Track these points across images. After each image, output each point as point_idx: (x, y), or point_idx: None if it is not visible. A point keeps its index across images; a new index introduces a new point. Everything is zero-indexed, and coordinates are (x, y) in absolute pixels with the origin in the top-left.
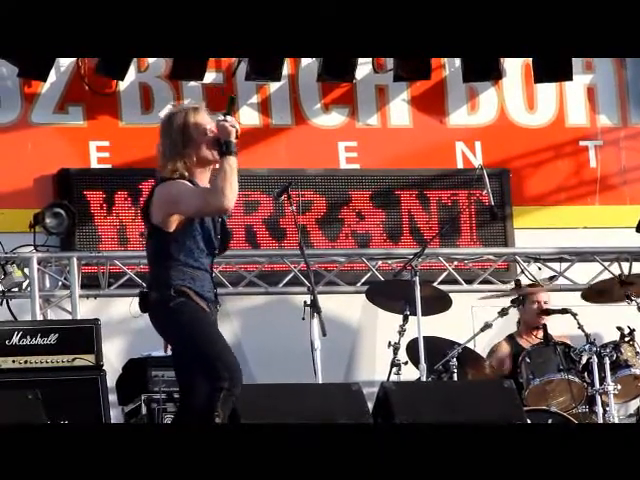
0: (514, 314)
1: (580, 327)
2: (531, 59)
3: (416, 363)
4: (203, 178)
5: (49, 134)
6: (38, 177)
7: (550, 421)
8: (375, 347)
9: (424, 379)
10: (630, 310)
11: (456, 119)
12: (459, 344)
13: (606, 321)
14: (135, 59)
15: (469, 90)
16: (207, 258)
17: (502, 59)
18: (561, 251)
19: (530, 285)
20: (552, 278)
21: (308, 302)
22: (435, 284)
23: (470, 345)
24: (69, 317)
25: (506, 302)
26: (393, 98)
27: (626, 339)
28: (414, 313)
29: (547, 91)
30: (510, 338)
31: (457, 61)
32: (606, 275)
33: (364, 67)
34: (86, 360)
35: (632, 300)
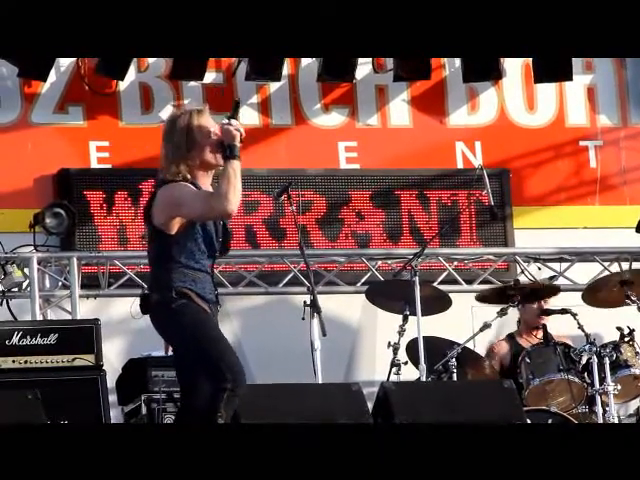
0: (514, 314)
1: (580, 327)
2: (531, 59)
3: (416, 363)
4: (205, 181)
5: (49, 134)
6: (38, 177)
7: (550, 421)
8: (375, 347)
9: (424, 379)
10: (630, 310)
11: (456, 119)
12: (459, 344)
13: (606, 321)
14: (135, 59)
15: (469, 90)
16: (208, 260)
17: (502, 59)
18: (561, 251)
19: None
20: (552, 278)
21: (308, 302)
22: (435, 284)
23: (470, 345)
24: (69, 317)
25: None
26: (393, 98)
27: (626, 339)
28: (414, 313)
29: (547, 91)
30: (510, 338)
31: (457, 61)
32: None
33: (364, 67)
34: (86, 360)
35: (632, 300)
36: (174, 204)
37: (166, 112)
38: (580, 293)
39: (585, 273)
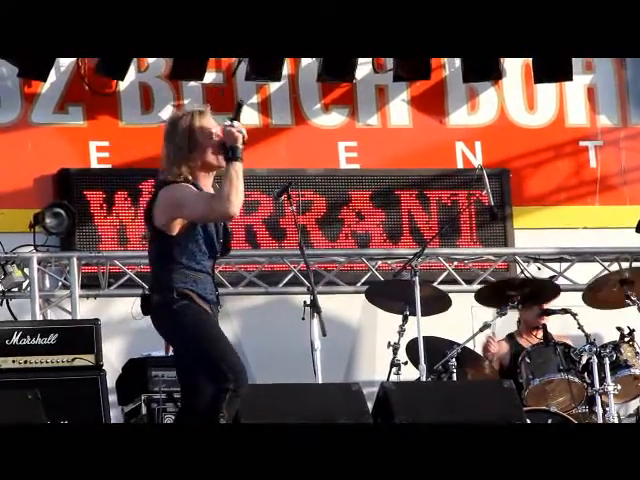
0: (514, 314)
1: (580, 327)
2: (531, 59)
3: (416, 363)
4: (206, 182)
5: (49, 134)
6: (38, 177)
7: (550, 421)
8: (375, 347)
9: (424, 379)
10: (630, 310)
11: (456, 119)
12: (458, 344)
13: (606, 321)
14: (135, 59)
15: (469, 90)
16: (209, 261)
17: (502, 59)
18: (561, 251)
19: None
20: (552, 278)
21: (308, 302)
22: (435, 284)
23: (469, 345)
24: (69, 317)
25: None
26: (393, 98)
27: (626, 339)
28: (414, 313)
29: (547, 91)
30: (510, 338)
31: (457, 61)
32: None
33: (364, 67)
34: (86, 360)
35: (632, 301)
36: (175, 205)
37: (166, 112)
38: (580, 293)
39: (585, 273)
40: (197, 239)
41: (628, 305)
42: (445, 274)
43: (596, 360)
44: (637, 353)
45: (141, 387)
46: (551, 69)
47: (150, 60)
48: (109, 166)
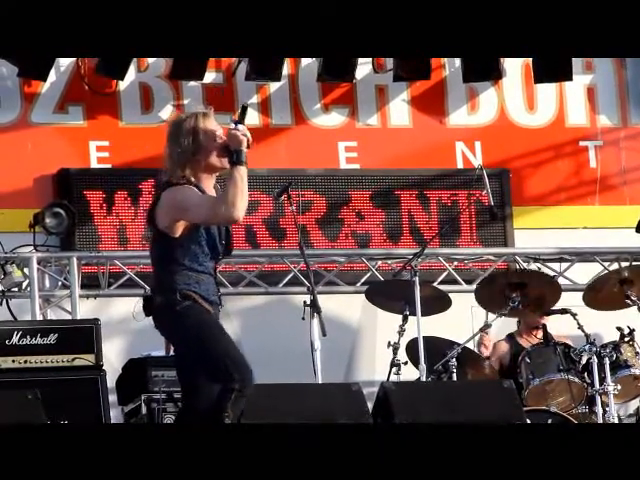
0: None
1: (580, 327)
2: (531, 59)
3: (416, 363)
4: (209, 183)
5: (49, 134)
6: (38, 177)
7: (550, 421)
8: (375, 347)
9: (424, 379)
10: (630, 310)
11: (456, 119)
12: (459, 344)
13: (606, 321)
14: (135, 59)
15: (469, 90)
16: (211, 262)
17: (502, 59)
18: (561, 251)
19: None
20: (552, 278)
21: (308, 302)
22: (435, 284)
23: (470, 345)
24: (69, 317)
25: None
26: (393, 98)
27: (626, 339)
28: (414, 313)
29: (547, 91)
30: (510, 338)
31: (457, 61)
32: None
33: (364, 67)
34: (86, 360)
35: (632, 301)
36: (179, 208)
37: (166, 112)
38: (580, 293)
39: (585, 273)
40: (200, 241)
41: (628, 305)
42: (445, 274)
43: (596, 360)
44: (637, 353)
45: (141, 387)
46: (551, 69)
47: (150, 60)
48: (109, 166)
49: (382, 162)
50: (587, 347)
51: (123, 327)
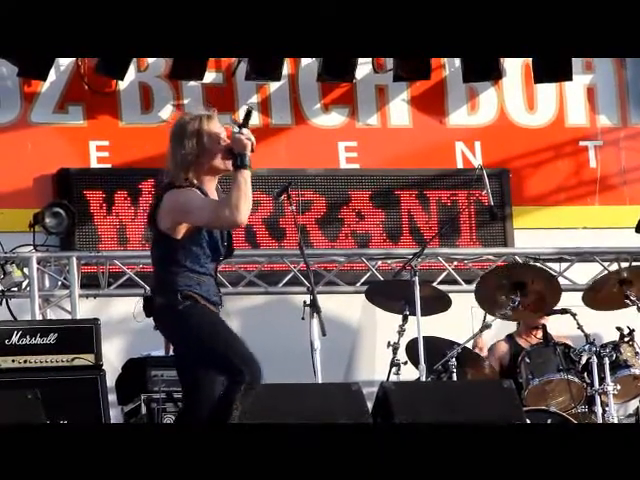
0: None
1: (580, 327)
2: (531, 59)
3: (415, 363)
4: (211, 185)
5: (49, 134)
6: (38, 177)
7: (549, 421)
8: (375, 347)
9: (423, 379)
10: (630, 310)
11: (456, 119)
12: (458, 344)
13: (606, 321)
14: (135, 59)
15: (469, 90)
16: (212, 263)
17: (502, 59)
18: (561, 251)
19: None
20: (552, 275)
21: (308, 302)
22: (435, 284)
23: (469, 345)
24: (69, 317)
25: None
26: (393, 98)
27: (625, 339)
28: (414, 313)
29: (547, 91)
30: (509, 338)
31: (457, 61)
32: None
33: (364, 67)
34: (85, 360)
35: (632, 301)
36: (181, 210)
37: (166, 112)
38: (580, 293)
39: (585, 273)
40: (201, 243)
41: (627, 305)
42: (445, 274)
43: (596, 360)
44: (637, 353)
45: (141, 387)
46: (551, 69)
47: (150, 60)
48: (109, 166)
49: (382, 162)
50: (587, 347)
51: (123, 327)
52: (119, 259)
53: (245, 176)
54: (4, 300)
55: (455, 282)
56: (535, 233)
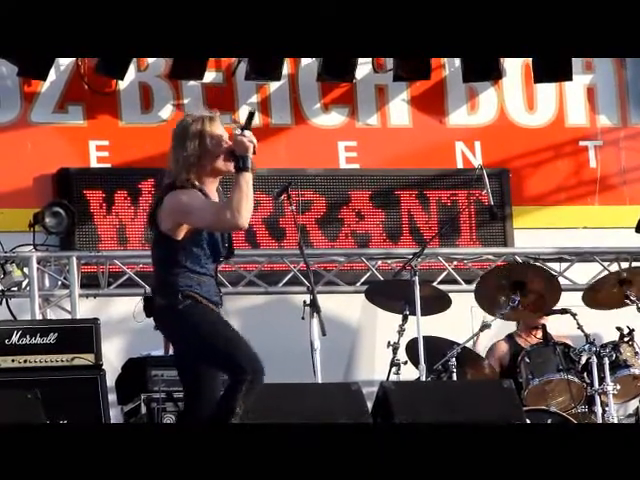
0: None
1: (579, 327)
2: (531, 59)
3: (415, 363)
4: (212, 187)
5: (49, 133)
6: (38, 176)
7: (549, 421)
8: (374, 347)
9: (423, 379)
10: (629, 310)
11: (456, 119)
12: (458, 344)
13: (605, 321)
14: (135, 58)
15: (469, 90)
16: (212, 264)
17: (502, 59)
18: (561, 251)
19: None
20: (552, 275)
21: (308, 302)
22: (434, 284)
23: (469, 345)
24: (68, 316)
25: None
26: (393, 98)
27: (625, 339)
28: (413, 313)
29: (547, 91)
30: (509, 338)
31: (457, 61)
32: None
33: (364, 67)
34: (85, 359)
35: (631, 301)
36: (182, 211)
37: (166, 112)
38: (580, 293)
39: (585, 273)
40: (202, 244)
41: (627, 305)
42: (445, 274)
43: (595, 360)
44: (636, 353)
45: (140, 386)
46: (551, 69)
47: (150, 60)
48: (109, 165)
49: (382, 162)
50: (587, 347)
51: (123, 327)
52: (119, 259)
53: (247, 179)
54: (4, 300)
55: (455, 282)
56: (535, 233)
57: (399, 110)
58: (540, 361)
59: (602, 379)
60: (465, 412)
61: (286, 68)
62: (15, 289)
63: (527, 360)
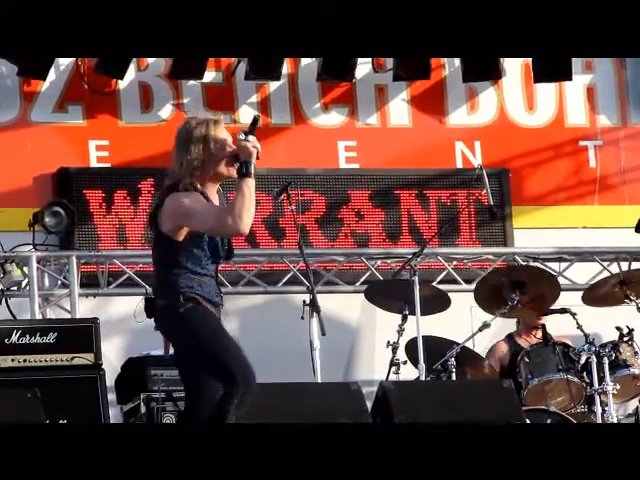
0: None
1: (579, 327)
2: (531, 59)
3: (415, 363)
4: (213, 190)
5: (48, 133)
6: (37, 176)
7: (549, 421)
8: (374, 346)
9: (423, 379)
10: (629, 310)
11: (455, 119)
12: (458, 344)
13: (605, 321)
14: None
15: (469, 90)
16: (213, 265)
17: (502, 59)
18: (560, 251)
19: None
20: (551, 275)
21: (307, 301)
22: (434, 284)
23: (469, 345)
24: (68, 316)
25: None
26: (393, 98)
27: (625, 339)
28: (413, 312)
29: (547, 91)
30: (509, 338)
31: (457, 61)
32: (605, 275)
33: (364, 66)
34: (85, 359)
35: (631, 300)
36: (184, 214)
37: (166, 111)
38: (579, 293)
39: (584, 273)
40: (202, 245)
41: (627, 303)
42: (444, 274)
43: (595, 360)
44: (636, 353)
45: (140, 386)
46: (551, 69)
47: (150, 59)
48: (108, 165)
49: (382, 162)
50: (586, 347)
51: (122, 326)
52: (119, 258)
53: (250, 185)
54: (4, 299)
55: (454, 282)
56: (535, 233)
57: (399, 110)
58: (540, 361)
59: (602, 379)
60: (464, 412)
61: (286, 68)
62: (15, 289)
63: (527, 360)
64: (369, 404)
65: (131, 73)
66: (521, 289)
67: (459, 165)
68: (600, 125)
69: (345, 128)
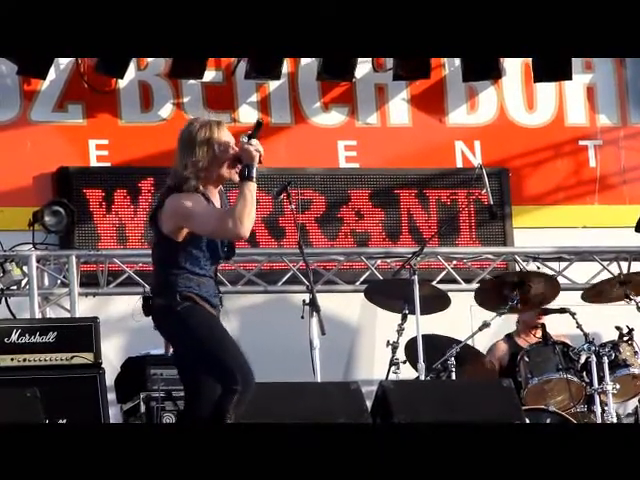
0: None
1: (579, 326)
2: (531, 59)
3: (415, 362)
4: (214, 192)
5: (48, 132)
6: (37, 175)
7: (548, 420)
8: (374, 346)
9: (423, 378)
10: (629, 310)
11: (455, 118)
12: (458, 341)
13: (605, 320)
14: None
15: (468, 89)
16: (212, 265)
17: (502, 59)
18: (560, 250)
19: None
20: (551, 277)
21: (307, 301)
22: (434, 283)
23: (469, 344)
24: (68, 315)
25: None
26: (393, 97)
27: (625, 338)
28: (413, 312)
29: (547, 91)
30: (508, 338)
31: (457, 60)
32: (605, 275)
33: (364, 66)
34: (85, 358)
35: (631, 299)
36: (184, 215)
37: (166, 110)
38: (579, 292)
39: (584, 272)
40: (202, 246)
41: (627, 302)
42: (444, 273)
43: (595, 359)
44: (636, 352)
45: (140, 385)
46: (551, 69)
47: (150, 58)
48: (108, 164)
49: (382, 161)
50: (586, 346)
51: (122, 325)
52: (118, 258)
53: (251, 188)
54: (3, 298)
55: (454, 281)
56: (534, 232)
57: (399, 109)
58: (539, 360)
59: (601, 378)
60: (464, 411)
61: (286, 67)
62: (14, 288)
63: (526, 359)
64: (369, 404)
65: (131, 72)
66: (521, 288)
67: (459, 165)
68: (600, 125)
69: (345, 128)
